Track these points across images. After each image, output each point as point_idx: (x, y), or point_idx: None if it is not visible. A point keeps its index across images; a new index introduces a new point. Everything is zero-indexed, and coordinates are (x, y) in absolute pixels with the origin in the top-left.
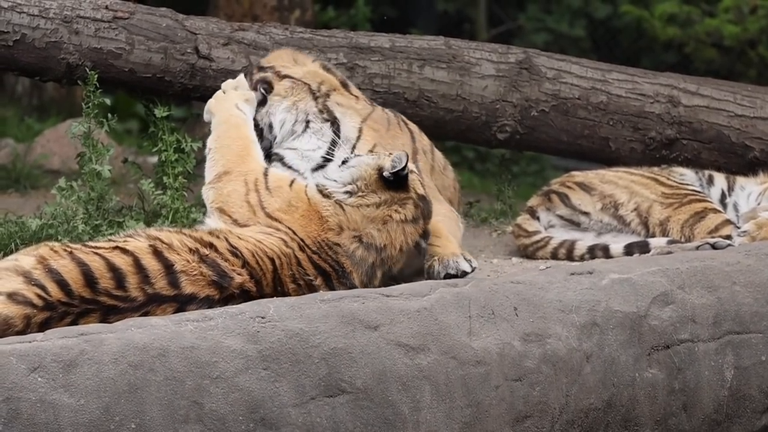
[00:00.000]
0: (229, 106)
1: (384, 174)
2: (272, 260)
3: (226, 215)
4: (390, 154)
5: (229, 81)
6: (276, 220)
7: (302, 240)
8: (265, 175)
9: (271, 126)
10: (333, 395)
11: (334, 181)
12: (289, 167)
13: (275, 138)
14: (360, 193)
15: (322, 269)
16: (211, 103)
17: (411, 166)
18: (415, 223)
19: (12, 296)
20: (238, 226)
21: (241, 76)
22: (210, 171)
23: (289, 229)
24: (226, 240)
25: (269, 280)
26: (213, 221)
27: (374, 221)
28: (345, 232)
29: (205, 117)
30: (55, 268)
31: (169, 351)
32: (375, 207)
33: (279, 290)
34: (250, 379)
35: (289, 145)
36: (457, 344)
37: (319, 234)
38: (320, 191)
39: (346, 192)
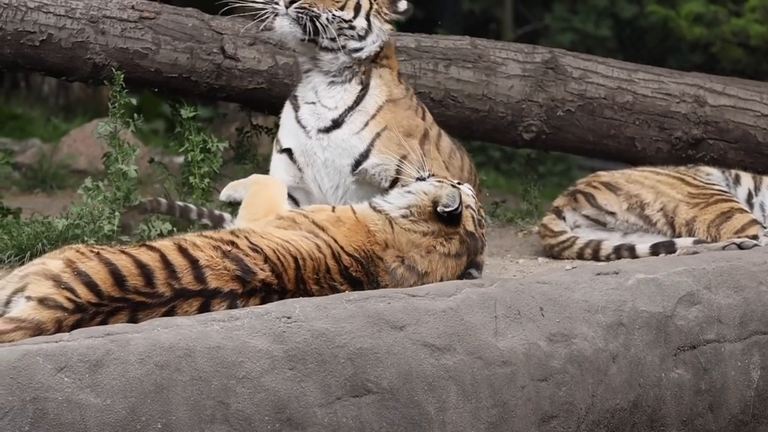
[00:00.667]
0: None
1: (438, 209)
2: (295, 259)
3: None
4: (450, 183)
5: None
6: (321, 228)
7: (342, 248)
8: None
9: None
10: (359, 395)
11: (390, 203)
12: (298, 119)
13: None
14: (412, 218)
15: (354, 279)
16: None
17: (466, 198)
18: (458, 258)
19: (43, 301)
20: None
21: None
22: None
23: (331, 237)
24: (247, 238)
25: (291, 277)
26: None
27: (418, 247)
28: (390, 250)
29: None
30: (84, 270)
31: (195, 351)
32: (422, 235)
33: (301, 288)
34: (276, 379)
35: (319, 79)
36: (482, 344)
37: (365, 244)
38: (372, 207)
39: (400, 215)
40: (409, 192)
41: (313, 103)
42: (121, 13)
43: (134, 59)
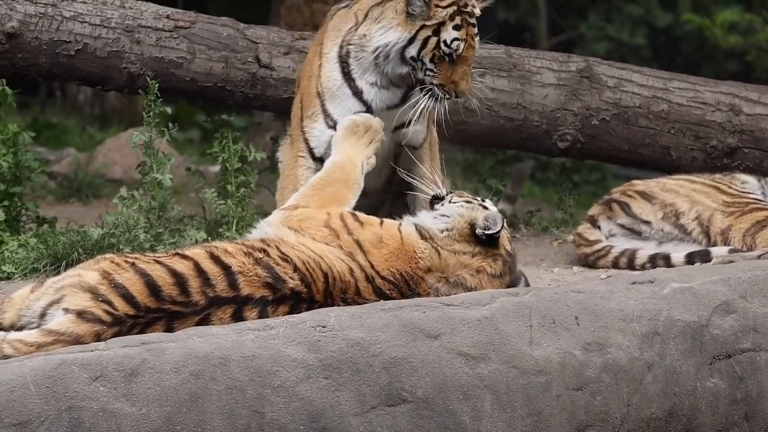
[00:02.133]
0: (355, 161)
1: (476, 231)
2: (325, 274)
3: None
4: (482, 203)
5: (369, 119)
6: (361, 249)
7: (377, 273)
8: (353, 213)
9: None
10: (394, 404)
11: (435, 228)
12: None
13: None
14: (455, 241)
15: (389, 298)
16: (340, 134)
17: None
18: (501, 278)
19: (82, 314)
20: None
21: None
22: (297, 199)
23: (368, 262)
24: (277, 248)
25: (320, 289)
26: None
27: (468, 268)
28: (433, 273)
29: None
30: (120, 282)
31: (230, 360)
32: (470, 256)
33: (329, 302)
34: (311, 389)
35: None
36: (518, 353)
37: (405, 268)
38: (419, 232)
39: (444, 239)
40: (443, 215)
41: (385, 88)
42: (156, 22)
43: (169, 68)
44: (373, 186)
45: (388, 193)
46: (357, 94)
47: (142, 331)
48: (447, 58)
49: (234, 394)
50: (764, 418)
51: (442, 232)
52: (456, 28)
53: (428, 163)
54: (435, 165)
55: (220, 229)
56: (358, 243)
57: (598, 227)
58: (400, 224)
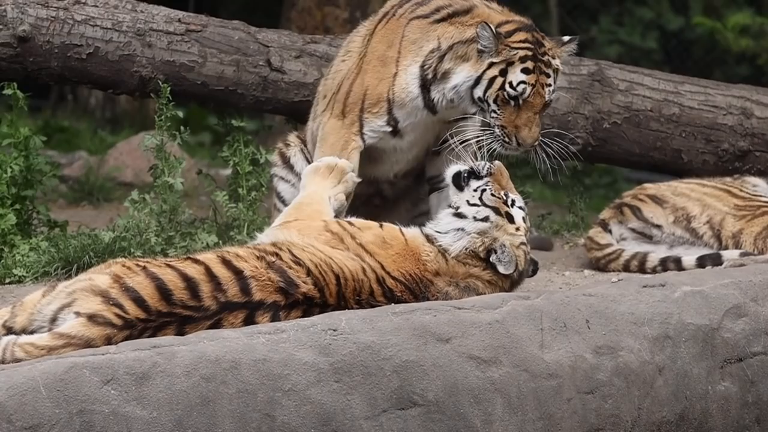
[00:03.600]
0: (322, 195)
1: (491, 259)
2: (337, 276)
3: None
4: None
5: (332, 162)
6: (368, 252)
7: (388, 273)
8: (350, 222)
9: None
10: (405, 408)
11: (443, 235)
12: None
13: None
14: (466, 258)
15: (399, 300)
16: (304, 179)
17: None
18: (512, 288)
19: (92, 318)
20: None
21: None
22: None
23: (378, 263)
24: (289, 251)
25: (333, 292)
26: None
27: (480, 278)
28: (442, 277)
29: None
30: (131, 286)
31: (241, 363)
32: (482, 269)
33: (342, 305)
34: (322, 392)
35: None
36: (529, 357)
37: (414, 270)
38: (425, 235)
39: (454, 252)
40: (462, 230)
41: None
42: (167, 26)
43: (181, 72)
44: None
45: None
46: (429, 107)
47: (152, 335)
48: (512, 102)
49: (245, 398)
50: None
51: (452, 244)
52: (525, 71)
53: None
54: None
55: (231, 233)
56: (362, 246)
57: (609, 231)
58: (401, 227)
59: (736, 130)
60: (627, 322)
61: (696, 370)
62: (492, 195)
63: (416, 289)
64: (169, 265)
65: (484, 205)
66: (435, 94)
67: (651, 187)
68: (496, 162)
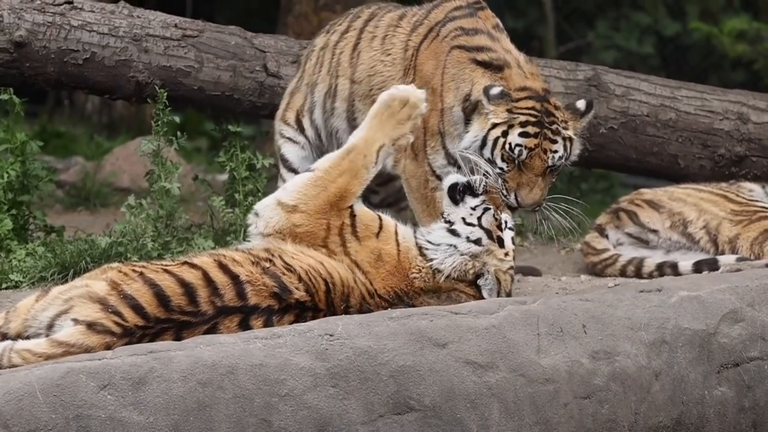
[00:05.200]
0: (371, 145)
1: (479, 282)
2: (326, 282)
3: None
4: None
5: (408, 93)
6: (360, 269)
7: (375, 291)
8: (353, 216)
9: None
10: (401, 413)
11: (435, 250)
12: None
13: None
14: (454, 277)
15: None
16: (374, 107)
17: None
18: None
19: (92, 326)
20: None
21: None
22: (296, 196)
23: (368, 280)
24: (281, 258)
25: (322, 298)
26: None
27: (463, 292)
28: (428, 293)
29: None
30: (129, 294)
31: (238, 368)
32: (466, 285)
33: (331, 311)
34: (319, 397)
35: None
36: (525, 362)
37: (401, 287)
38: (419, 247)
39: (445, 271)
40: (454, 248)
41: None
42: (164, 31)
43: (177, 77)
44: None
45: None
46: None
47: (150, 342)
48: (514, 162)
49: (241, 403)
50: None
51: (443, 262)
52: (523, 135)
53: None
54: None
55: (228, 238)
56: (356, 264)
57: (606, 236)
58: (398, 235)
59: (732, 136)
60: (624, 327)
61: (693, 375)
62: (492, 217)
63: (397, 304)
64: (166, 270)
65: (480, 226)
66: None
67: (647, 193)
68: (490, 182)
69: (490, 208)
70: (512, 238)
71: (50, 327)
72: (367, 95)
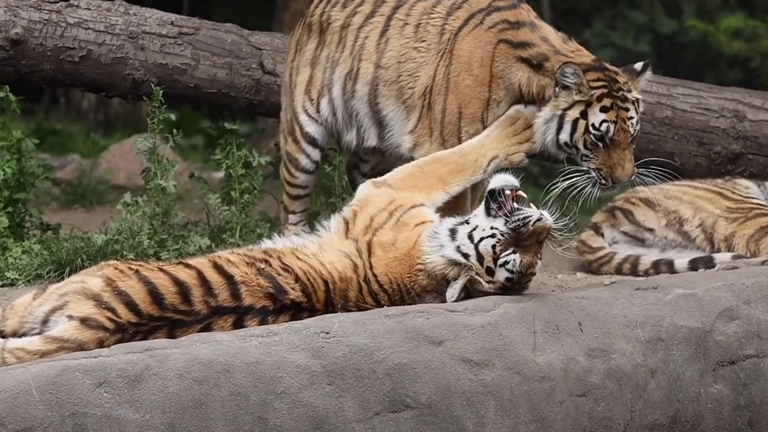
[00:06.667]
0: (485, 153)
1: (449, 284)
2: (326, 282)
3: (352, 223)
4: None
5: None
6: (369, 251)
7: (375, 276)
8: (413, 206)
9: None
10: (397, 411)
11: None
12: None
13: None
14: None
15: (381, 304)
16: (499, 120)
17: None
18: None
19: (85, 321)
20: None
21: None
22: (394, 175)
23: (370, 264)
24: (279, 259)
25: (320, 298)
26: (325, 231)
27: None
28: (429, 291)
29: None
30: (124, 290)
31: (234, 366)
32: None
33: (329, 311)
34: (315, 395)
35: None
36: (521, 360)
37: (403, 278)
38: (423, 248)
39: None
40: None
41: None
42: (160, 28)
43: (173, 75)
44: None
45: None
46: None
47: (143, 339)
48: (600, 143)
49: (237, 401)
50: None
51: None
52: (603, 110)
53: None
54: None
55: (224, 236)
56: (369, 246)
57: (602, 234)
58: (425, 230)
59: (728, 133)
60: (619, 325)
61: (688, 373)
62: (491, 248)
63: (398, 297)
64: (161, 269)
65: (476, 249)
66: None
67: (643, 191)
68: (539, 225)
69: (499, 240)
70: (508, 278)
71: (45, 322)
72: (394, 81)
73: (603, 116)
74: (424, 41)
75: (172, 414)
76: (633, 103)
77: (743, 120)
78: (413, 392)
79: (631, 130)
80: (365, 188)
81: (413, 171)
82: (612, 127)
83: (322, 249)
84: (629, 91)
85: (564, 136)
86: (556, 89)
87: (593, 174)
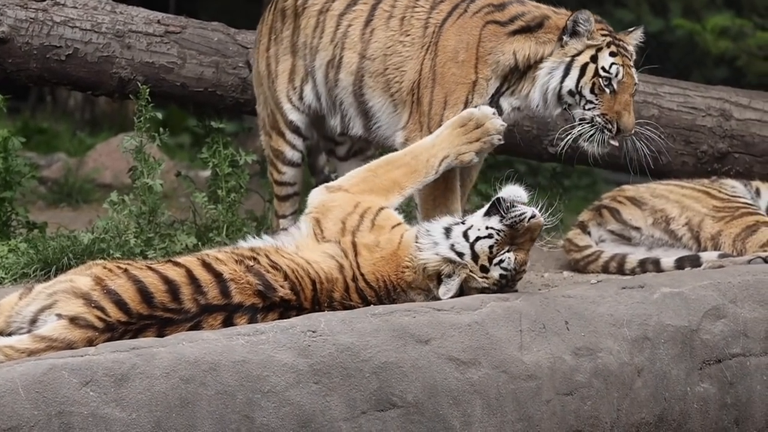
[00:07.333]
0: (436, 153)
1: (442, 281)
2: (313, 281)
3: (318, 228)
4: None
5: (485, 117)
6: (355, 251)
7: (363, 275)
8: (381, 209)
9: None
10: (384, 409)
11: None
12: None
13: None
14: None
15: (369, 302)
16: (450, 120)
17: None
18: None
19: (74, 320)
20: (322, 241)
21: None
22: (348, 180)
23: (357, 264)
24: (267, 257)
25: (308, 297)
26: (299, 232)
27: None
28: (415, 288)
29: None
30: (113, 289)
31: (220, 365)
32: (435, 285)
33: (317, 309)
34: (301, 393)
35: None
36: (508, 358)
37: (390, 276)
38: (416, 237)
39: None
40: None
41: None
42: (146, 27)
43: (160, 73)
44: None
45: None
46: (498, 110)
47: (133, 338)
48: (608, 88)
49: (224, 399)
50: (754, 423)
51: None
52: (612, 54)
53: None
54: None
55: (211, 234)
56: (354, 245)
57: (588, 233)
58: (405, 231)
59: (715, 132)
60: (606, 324)
61: (675, 372)
62: (487, 248)
63: (386, 295)
64: (150, 268)
65: (471, 248)
66: (504, 104)
67: (630, 189)
68: (533, 222)
69: (496, 240)
70: (502, 275)
71: (34, 322)
72: (381, 73)
73: (612, 60)
74: (408, 35)
75: (158, 413)
76: (631, 55)
77: (730, 119)
78: (400, 391)
79: (635, 77)
80: (320, 194)
81: (367, 175)
82: (621, 69)
83: (298, 248)
84: (627, 45)
85: (569, 83)
86: (564, 38)
87: (598, 120)
